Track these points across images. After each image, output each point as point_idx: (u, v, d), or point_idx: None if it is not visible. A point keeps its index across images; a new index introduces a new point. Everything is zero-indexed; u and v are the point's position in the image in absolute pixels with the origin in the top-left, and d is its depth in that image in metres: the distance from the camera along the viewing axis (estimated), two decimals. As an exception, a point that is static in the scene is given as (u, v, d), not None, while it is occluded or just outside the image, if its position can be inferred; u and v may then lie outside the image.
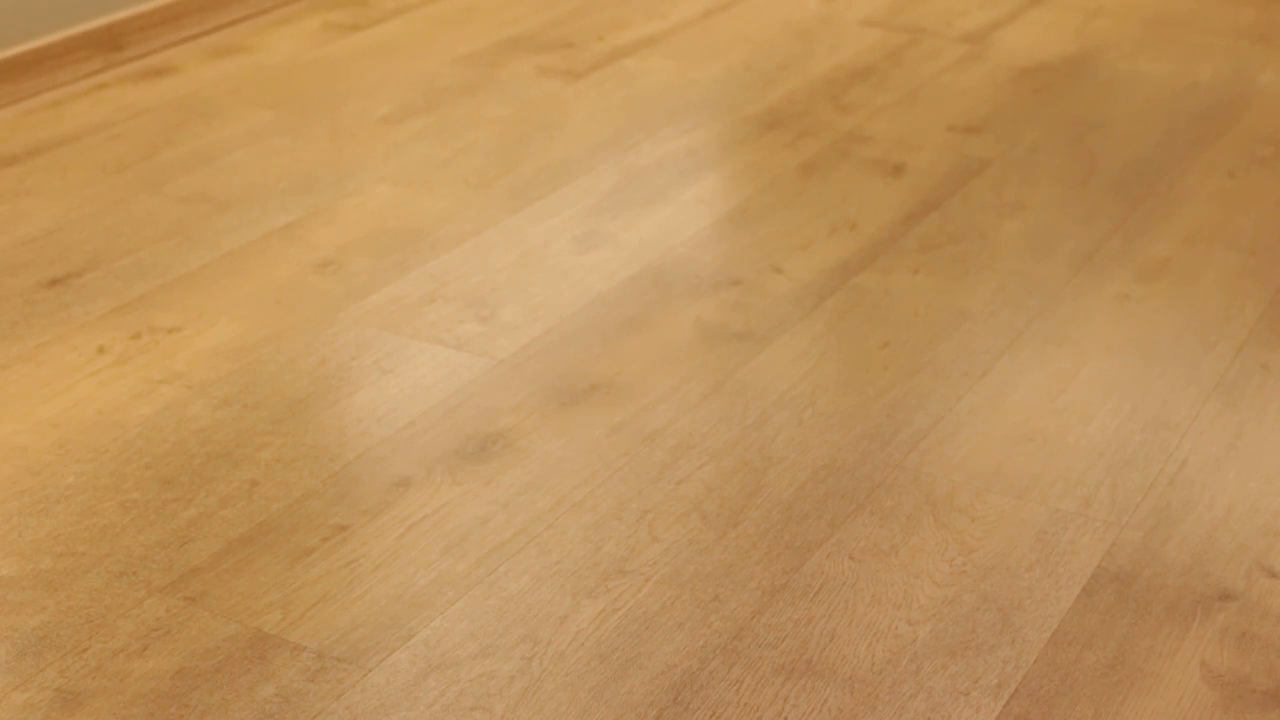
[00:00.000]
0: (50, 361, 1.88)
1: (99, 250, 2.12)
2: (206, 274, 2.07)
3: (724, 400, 1.81)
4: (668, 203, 2.26)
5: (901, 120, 2.54)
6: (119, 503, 1.64)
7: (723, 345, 1.91)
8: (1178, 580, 1.54)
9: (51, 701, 1.38)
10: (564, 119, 2.54)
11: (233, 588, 1.52)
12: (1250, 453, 1.72)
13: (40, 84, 2.61)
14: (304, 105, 2.58)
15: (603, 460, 1.70)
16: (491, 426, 1.76)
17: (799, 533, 1.60)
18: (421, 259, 2.11)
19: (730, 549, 1.57)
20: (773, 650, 1.45)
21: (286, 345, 1.92)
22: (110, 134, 2.47)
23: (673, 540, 1.58)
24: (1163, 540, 1.59)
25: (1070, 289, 2.04)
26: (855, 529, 1.60)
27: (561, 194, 2.28)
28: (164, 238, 2.16)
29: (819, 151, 2.42)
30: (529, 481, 1.66)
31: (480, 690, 1.40)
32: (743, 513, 1.62)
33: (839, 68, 2.74)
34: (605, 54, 2.79)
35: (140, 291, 2.03)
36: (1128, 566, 1.55)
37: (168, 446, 1.73)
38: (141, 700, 1.38)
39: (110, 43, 2.70)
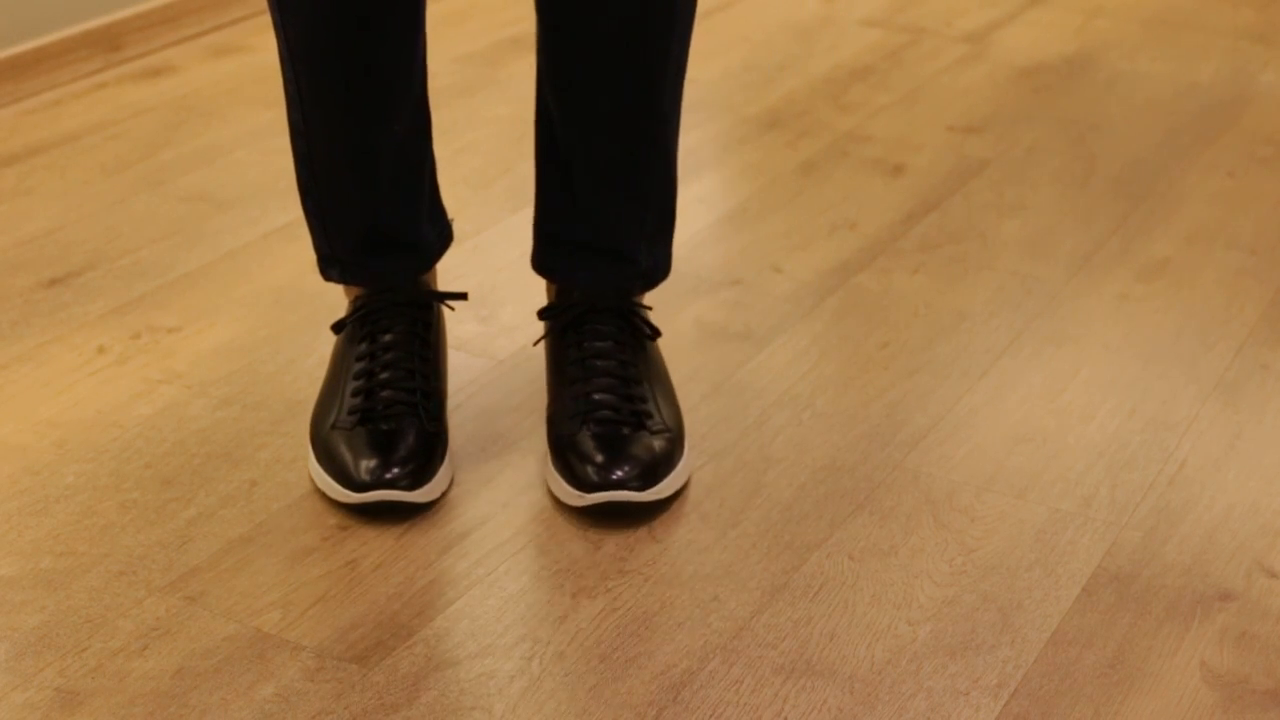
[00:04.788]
0: (50, 361, 1.88)
1: (99, 250, 2.12)
2: (206, 274, 2.07)
3: (723, 400, 1.81)
4: (667, 203, 2.26)
5: (901, 120, 2.54)
6: (119, 502, 1.64)
7: (722, 345, 1.91)
8: (1178, 580, 1.54)
9: (51, 701, 1.38)
10: (564, 119, 2.53)
11: (232, 587, 1.52)
12: (1250, 453, 1.72)
13: (40, 84, 2.61)
14: (304, 105, 2.58)
15: (603, 460, 1.69)
16: (491, 427, 1.76)
17: (799, 533, 1.60)
18: (421, 259, 2.10)
19: (730, 549, 1.57)
20: (772, 650, 1.45)
21: (286, 345, 1.92)
22: (110, 134, 2.47)
23: (673, 540, 1.58)
24: (1163, 540, 1.59)
25: (1070, 289, 2.05)
26: (855, 529, 1.60)
27: (561, 194, 2.28)
28: (164, 238, 2.16)
29: (819, 151, 2.42)
30: (529, 481, 1.66)
31: (480, 690, 1.40)
32: (743, 513, 1.62)
33: (839, 67, 2.74)
34: (605, 54, 2.79)
35: (140, 291, 2.03)
36: (1128, 566, 1.56)
37: (167, 446, 1.73)
38: (141, 700, 1.38)
39: (110, 43, 2.70)
